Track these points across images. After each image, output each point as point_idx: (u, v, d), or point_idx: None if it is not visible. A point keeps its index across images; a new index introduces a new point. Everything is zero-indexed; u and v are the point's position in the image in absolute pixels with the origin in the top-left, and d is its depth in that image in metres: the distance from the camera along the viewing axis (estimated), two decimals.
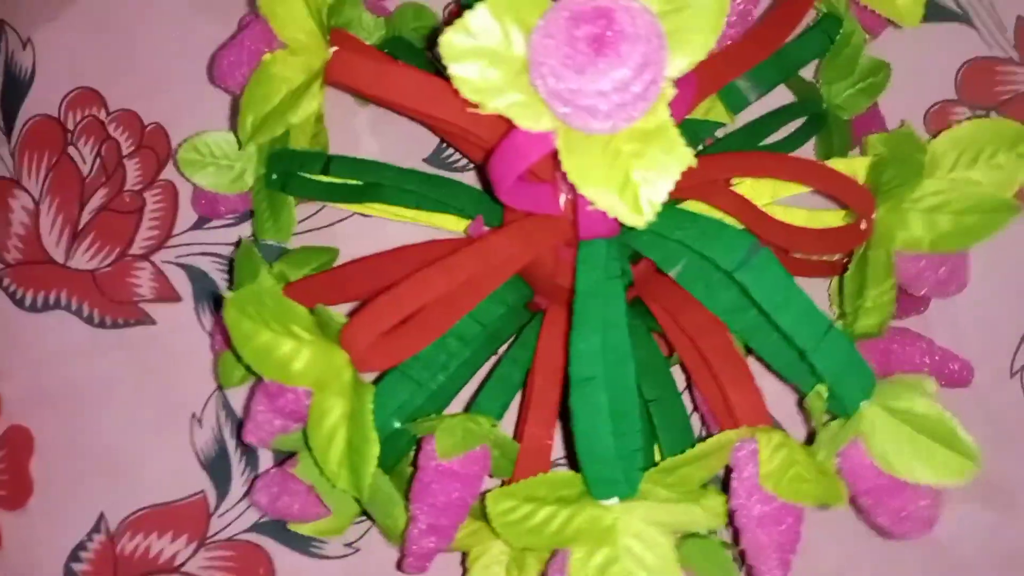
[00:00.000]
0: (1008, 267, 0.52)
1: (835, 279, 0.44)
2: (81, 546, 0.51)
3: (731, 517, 0.35)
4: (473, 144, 0.37)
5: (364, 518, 0.51)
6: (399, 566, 0.40)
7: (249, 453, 0.52)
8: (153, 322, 0.53)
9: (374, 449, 0.33)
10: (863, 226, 0.38)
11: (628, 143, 0.26)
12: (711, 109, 0.41)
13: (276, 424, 0.36)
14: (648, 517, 0.32)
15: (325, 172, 0.42)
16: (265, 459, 0.52)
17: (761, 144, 0.45)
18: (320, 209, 0.53)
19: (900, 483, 0.33)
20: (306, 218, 0.53)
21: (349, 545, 0.51)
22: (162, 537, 0.51)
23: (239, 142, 0.40)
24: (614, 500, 0.32)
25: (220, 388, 0.52)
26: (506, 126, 0.33)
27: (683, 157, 0.26)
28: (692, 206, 0.39)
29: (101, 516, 0.52)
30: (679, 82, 0.28)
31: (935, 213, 0.38)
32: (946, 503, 0.36)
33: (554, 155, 0.36)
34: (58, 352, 0.53)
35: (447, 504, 0.37)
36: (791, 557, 0.35)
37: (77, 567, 0.51)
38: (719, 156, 0.40)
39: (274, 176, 0.43)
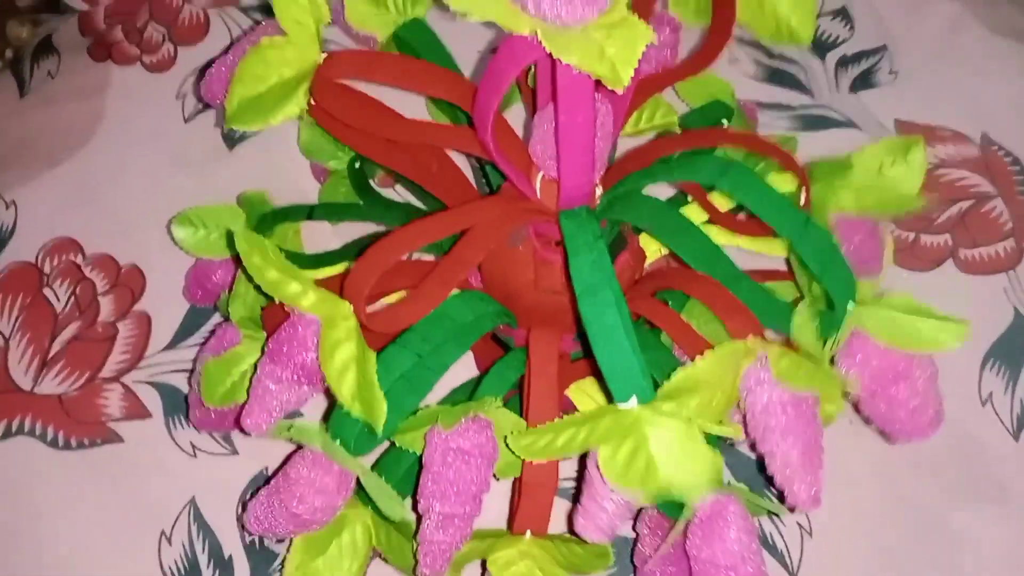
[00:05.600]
0: (965, 292, 0.56)
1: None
2: None
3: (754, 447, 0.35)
4: (459, 138, 0.41)
5: None
6: (414, 573, 0.37)
7: (222, 567, 0.48)
8: (121, 440, 0.51)
9: (383, 400, 0.33)
10: (802, 201, 0.42)
11: (597, 31, 0.31)
12: (657, 109, 0.47)
13: (283, 393, 0.34)
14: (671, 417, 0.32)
15: (310, 218, 0.45)
16: (241, 572, 0.48)
17: None
18: None
19: (905, 365, 0.34)
20: None
21: None
22: None
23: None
24: (633, 402, 0.32)
25: (193, 500, 0.49)
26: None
27: (646, 35, 0.30)
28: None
29: None
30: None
31: (862, 191, 0.43)
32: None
33: (523, 143, 0.40)
34: (18, 479, 0.50)
35: (459, 489, 0.36)
36: (820, 472, 0.34)
37: None
38: (667, 138, 0.44)
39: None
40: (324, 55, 0.38)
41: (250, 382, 0.40)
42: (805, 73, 0.65)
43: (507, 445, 0.35)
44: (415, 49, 0.46)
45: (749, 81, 0.65)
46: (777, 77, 0.65)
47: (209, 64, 0.44)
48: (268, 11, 0.67)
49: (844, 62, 0.66)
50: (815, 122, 0.63)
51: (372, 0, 0.46)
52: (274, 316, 0.39)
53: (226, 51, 0.43)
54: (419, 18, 0.46)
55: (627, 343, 0.32)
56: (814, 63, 0.66)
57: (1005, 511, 0.50)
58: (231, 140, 0.62)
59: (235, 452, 0.51)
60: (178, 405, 0.52)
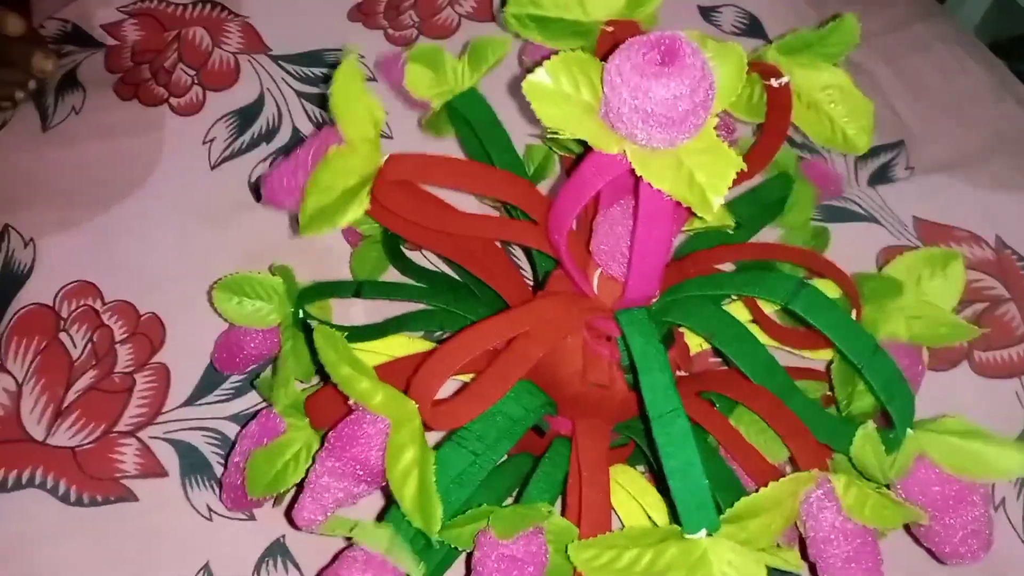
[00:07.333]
0: (979, 395, 0.57)
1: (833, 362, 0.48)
2: None
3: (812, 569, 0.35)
4: (521, 232, 0.41)
5: None
6: None
7: None
8: (135, 498, 0.50)
9: (439, 508, 0.33)
10: (854, 316, 0.43)
11: (688, 156, 0.31)
12: None
13: (340, 490, 0.34)
14: (736, 549, 0.32)
15: (357, 296, 0.45)
16: None
17: None
18: None
19: (964, 492, 0.34)
20: None
21: None
22: None
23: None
24: (702, 533, 0.32)
25: (207, 566, 0.48)
26: (549, 202, 0.37)
27: (735, 163, 0.31)
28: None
29: None
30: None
31: (913, 319, 0.44)
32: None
33: (587, 243, 0.41)
34: (25, 533, 0.48)
35: None
36: None
37: None
38: (727, 247, 0.45)
39: (301, 314, 0.45)
40: (384, 158, 0.38)
41: (290, 468, 0.39)
42: (827, 162, 0.67)
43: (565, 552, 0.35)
44: (469, 121, 0.46)
45: None
46: None
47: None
48: (299, 62, 0.68)
49: (863, 155, 0.67)
50: (837, 213, 0.65)
51: (432, 68, 0.46)
52: (319, 405, 0.39)
53: (286, 154, 0.43)
54: (474, 88, 0.47)
55: (702, 476, 0.32)
56: (834, 154, 0.67)
57: None
58: (258, 191, 0.62)
59: (252, 518, 0.50)
60: (196, 465, 0.51)
